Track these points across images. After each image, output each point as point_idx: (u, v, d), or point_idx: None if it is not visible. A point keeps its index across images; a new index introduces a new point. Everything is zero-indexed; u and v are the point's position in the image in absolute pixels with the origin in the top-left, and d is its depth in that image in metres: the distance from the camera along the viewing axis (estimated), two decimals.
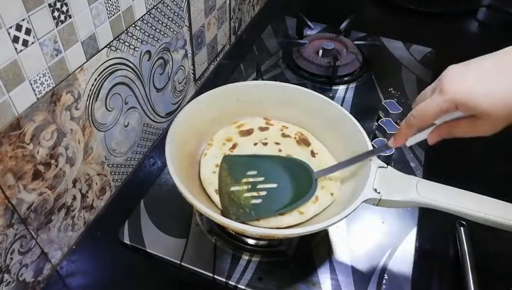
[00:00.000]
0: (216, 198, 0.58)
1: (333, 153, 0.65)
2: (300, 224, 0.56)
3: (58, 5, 0.46)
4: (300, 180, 0.59)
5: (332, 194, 0.59)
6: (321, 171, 0.60)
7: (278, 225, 0.55)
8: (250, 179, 0.59)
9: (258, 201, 0.56)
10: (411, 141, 0.53)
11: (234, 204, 0.56)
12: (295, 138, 0.67)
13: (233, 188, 0.58)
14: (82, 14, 0.50)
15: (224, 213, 0.56)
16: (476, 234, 0.60)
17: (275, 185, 0.58)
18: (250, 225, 0.52)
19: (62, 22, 0.48)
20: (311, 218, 0.57)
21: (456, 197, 0.52)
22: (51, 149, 0.51)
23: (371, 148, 0.58)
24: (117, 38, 0.58)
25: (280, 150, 0.64)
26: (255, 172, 0.59)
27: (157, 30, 0.67)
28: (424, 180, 0.55)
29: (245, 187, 0.58)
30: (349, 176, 0.60)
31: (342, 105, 0.72)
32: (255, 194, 0.57)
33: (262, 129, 0.67)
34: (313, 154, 0.65)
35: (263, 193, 0.57)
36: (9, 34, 0.42)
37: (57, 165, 0.53)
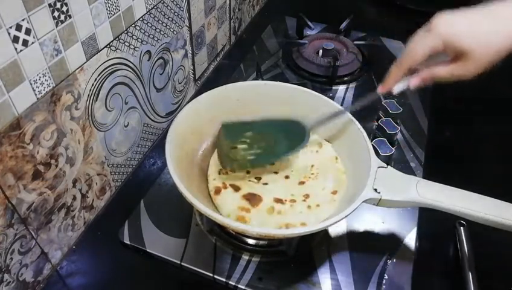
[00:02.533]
0: (211, 182, 0.60)
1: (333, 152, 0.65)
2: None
3: (58, 5, 0.46)
4: (294, 135, 0.62)
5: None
6: (315, 122, 0.62)
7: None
8: (247, 140, 0.61)
9: (253, 158, 0.60)
10: (398, 88, 0.55)
11: (229, 159, 0.60)
12: None
13: (230, 150, 0.60)
14: (82, 14, 0.50)
15: (222, 166, 0.61)
16: (476, 234, 0.60)
17: (270, 144, 0.61)
18: (250, 225, 0.52)
19: (62, 22, 0.48)
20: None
21: (456, 197, 0.52)
22: (51, 149, 0.51)
23: (370, 147, 0.58)
24: (117, 38, 0.58)
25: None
26: (251, 133, 0.62)
27: (157, 30, 0.67)
28: (424, 180, 0.55)
29: (242, 146, 0.61)
30: (349, 176, 0.60)
31: (341, 105, 0.72)
32: (251, 151, 0.60)
33: None
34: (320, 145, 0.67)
35: (259, 151, 0.61)
36: (9, 34, 0.42)
37: (57, 165, 0.53)
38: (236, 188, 0.59)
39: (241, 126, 0.63)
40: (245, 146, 0.61)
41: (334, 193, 0.59)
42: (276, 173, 0.63)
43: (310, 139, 0.62)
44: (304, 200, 0.58)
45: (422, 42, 0.51)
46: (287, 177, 0.62)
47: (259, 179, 0.61)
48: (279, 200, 0.58)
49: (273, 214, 0.57)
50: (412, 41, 0.52)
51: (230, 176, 0.61)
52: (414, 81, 0.54)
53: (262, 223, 0.55)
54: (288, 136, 0.62)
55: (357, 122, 0.62)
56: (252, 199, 0.58)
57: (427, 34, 0.50)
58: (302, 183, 0.61)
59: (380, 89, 0.57)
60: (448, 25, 0.49)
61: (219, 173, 0.62)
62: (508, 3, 0.49)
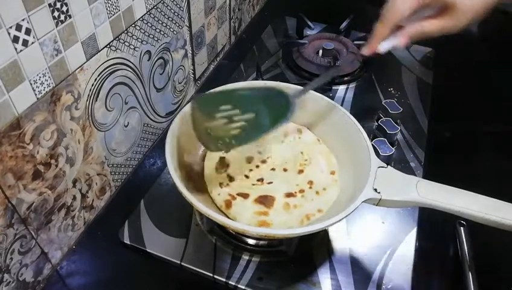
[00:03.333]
0: (216, 198, 0.58)
1: (332, 152, 0.65)
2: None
3: (58, 5, 0.46)
4: (277, 105, 0.58)
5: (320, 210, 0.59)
6: (298, 91, 0.60)
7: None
8: (225, 114, 0.56)
9: (238, 131, 0.56)
10: (384, 46, 0.53)
11: (213, 138, 0.56)
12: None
13: (208, 124, 0.56)
14: (82, 14, 0.50)
15: (205, 148, 0.57)
16: (476, 234, 0.60)
17: (252, 115, 0.56)
18: (250, 225, 0.52)
19: (62, 22, 0.48)
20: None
21: (456, 197, 0.52)
22: (51, 149, 0.51)
23: (371, 148, 0.58)
24: (117, 38, 0.58)
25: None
26: (229, 106, 0.56)
27: (157, 30, 0.67)
28: (424, 180, 0.55)
29: (221, 121, 0.56)
30: (349, 176, 0.60)
31: (342, 105, 0.72)
32: (233, 125, 0.56)
33: None
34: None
35: (241, 124, 0.56)
36: (9, 34, 0.42)
37: (57, 165, 0.53)
38: (245, 195, 0.58)
39: (216, 98, 0.59)
40: (225, 120, 0.55)
41: (333, 173, 0.62)
42: (273, 169, 0.63)
43: (288, 129, 0.62)
44: (310, 187, 0.60)
45: None
46: (285, 170, 0.63)
47: (261, 180, 0.61)
48: (289, 195, 0.59)
49: (290, 209, 0.57)
50: None
51: (233, 185, 0.60)
52: (402, 40, 0.51)
53: (285, 221, 0.56)
54: (270, 107, 0.57)
55: (356, 122, 0.62)
56: (265, 201, 0.58)
57: None
58: (301, 172, 0.62)
59: (366, 51, 0.54)
60: None
61: (220, 186, 0.59)
62: None
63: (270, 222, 0.55)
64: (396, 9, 0.49)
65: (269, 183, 0.61)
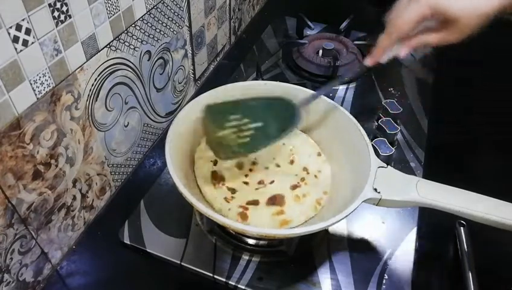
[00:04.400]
0: (229, 214, 0.57)
1: (332, 152, 0.65)
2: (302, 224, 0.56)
3: (58, 5, 0.46)
4: (284, 114, 0.60)
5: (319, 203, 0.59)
6: (303, 100, 0.61)
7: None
8: (235, 123, 0.59)
9: (247, 140, 0.58)
10: (386, 57, 0.55)
11: (223, 146, 0.57)
12: None
13: (219, 134, 0.58)
14: (82, 14, 0.50)
15: (215, 156, 0.59)
16: (476, 234, 0.60)
17: (260, 124, 0.59)
18: (250, 225, 0.52)
19: (62, 22, 0.48)
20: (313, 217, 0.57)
21: (456, 197, 0.52)
22: (51, 149, 0.51)
23: (370, 147, 0.58)
24: (117, 38, 0.58)
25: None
26: (238, 116, 0.60)
27: (157, 30, 0.67)
28: (424, 180, 0.55)
29: (231, 131, 0.58)
30: (349, 176, 0.60)
31: (341, 105, 0.72)
32: (242, 134, 0.58)
33: None
34: None
35: (250, 132, 0.58)
36: (9, 34, 0.42)
37: (57, 165, 0.53)
38: (255, 202, 0.58)
39: (226, 108, 0.61)
40: (234, 129, 0.58)
41: (319, 154, 0.66)
42: (267, 168, 0.63)
43: None
44: (308, 173, 0.63)
45: (409, 11, 0.50)
46: (278, 165, 0.64)
47: (262, 182, 0.61)
48: (295, 186, 0.61)
49: (301, 200, 0.59)
50: (397, 10, 0.51)
51: (238, 196, 0.59)
52: (404, 51, 0.53)
53: (301, 212, 0.57)
54: (276, 115, 0.60)
55: (356, 122, 0.62)
56: (276, 200, 0.58)
57: (414, 4, 0.49)
58: (292, 162, 0.65)
59: (369, 62, 0.56)
60: None
61: (227, 201, 0.58)
62: None
63: (289, 218, 0.56)
64: (401, 23, 0.51)
65: (271, 182, 0.61)
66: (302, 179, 0.62)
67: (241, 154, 0.60)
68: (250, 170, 0.63)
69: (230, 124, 0.59)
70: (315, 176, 0.63)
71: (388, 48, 0.54)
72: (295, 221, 0.56)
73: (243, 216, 0.56)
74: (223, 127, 0.58)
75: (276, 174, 0.62)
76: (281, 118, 0.60)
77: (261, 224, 0.56)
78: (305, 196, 0.59)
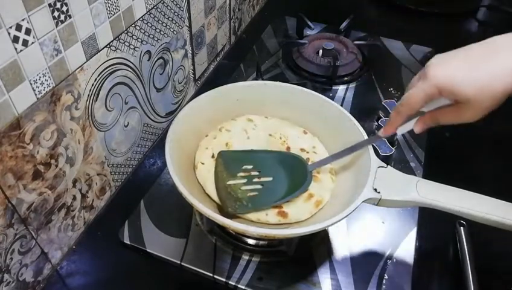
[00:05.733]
0: (270, 219, 0.57)
1: (332, 152, 0.65)
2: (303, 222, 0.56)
3: (58, 5, 0.46)
4: (295, 173, 0.59)
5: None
6: (315, 163, 0.61)
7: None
8: (246, 173, 0.59)
9: (255, 194, 0.57)
10: (401, 130, 0.55)
11: (231, 197, 0.56)
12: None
13: (229, 182, 0.58)
14: (82, 14, 0.50)
15: (222, 206, 0.56)
16: (476, 234, 0.60)
17: (270, 178, 0.59)
18: (251, 226, 0.52)
19: (62, 22, 0.48)
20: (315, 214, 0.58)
21: (456, 197, 0.52)
22: (51, 149, 0.51)
23: (370, 148, 0.58)
24: (117, 38, 0.58)
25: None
26: (250, 166, 0.60)
27: (157, 30, 0.67)
28: (424, 179, 0.55)
29: (241, 181, 0.58)
30: (349, 176, 0.60)
31: (342, 105, 0.72)
32: (251, 187, 0.58)
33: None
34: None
35: (259, 186, 0.58)
36: (9, 34, 0.42)
37: (57, 165, 0.53)
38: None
39: (240, 157, 0.62)
40: (244, 180, 0.58)
41: (305, 132, 0.68)
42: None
43: (241, 123, 0.66)
44: (308, 152, 0.64)
45: (419, 90, 0.48)
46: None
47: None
48: None
49: (318, 177, 0.60)
50: (410, 88, 0.51)
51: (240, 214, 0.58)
52: (418, 127, 0.53)
53: (323, 188, 0.59)
54: (287, 172, 0.59)
55: (356, 122, 0.62)
56: None
57: (423, 82, 0.48)
58: (289, 148, 0.65)
59: (382, 133, 0.56)
60: (444, 73, 0.46)
61: (236, 217, 0.56)
62: (504, 36, 0.46)
63: (320, 198, 0.58)
64: (409, 104, 0.50)
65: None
66: (308, 159, 0.62)
67: (248, 211, 0.56)
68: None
69: (241, 174, 0.59)
70: (314, 152, 0.64)
71: (399, 124, 0.53)
72: (325, 198, 0.58)
73: (283, 215, 0.56)
74: (234, 176, 0.59)
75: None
76: (290, 177, 0.59)
77: (302, 214, 0.56)
78: (318, 173, 0.61)
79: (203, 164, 0.61)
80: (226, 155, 0.62)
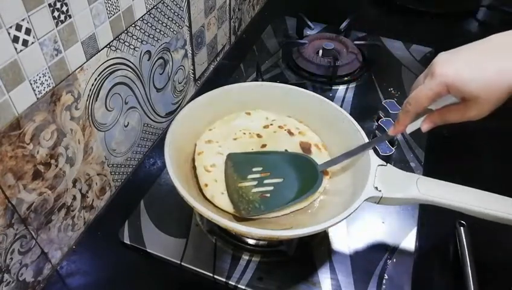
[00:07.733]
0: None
1: (332, 152, 0.65)
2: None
3: (58, 5, 0.46)
4: (305, 174, 0.59)
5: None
6: (325, 163, 0.60)
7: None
8: (257, 175, 0.59)
9: (267, 195, 0.57)
10: (410, 129, 0.55)
11: (243, 200, 0.56)
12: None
13: (240, 184, 0.58)
14: (82, 14, 0.50)
15: (235, 210, 0.56)
16: (476, 234, 0.60)
17: (281, 180, 0.58)
18: (251, 227, 0.52)
19: (62, 22, 0.48)
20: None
21: (456, 193, 0.52)
22: (51, 149, 0.51)
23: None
24: (117, 38, 0.58)
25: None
26: (260, 168, 0.60)
27: (157, 30, 0.67)
28: (424, 177, 0.55)
29: (252, 183, 0.58)
30: (349, 176, 0.60)
31: (341, 105, 0.72)
32: (262, 189, 0.57)
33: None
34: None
35: (270, 188, 0.58)
36: (9, 34, 0.42)
37: (57, 165, 0.53)
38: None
39: (250, 158, 0.61)
40: (255, 183, 0.58)
41: (300, 122, 0.68)
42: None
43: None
44: (301, 133, 0.67)
45: (426, 89, 0.48)
46: (263, 146, 0.65)
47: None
48: (307, 148, 0.64)
49: (322, 150, 0.64)
50: (415, 87, 0.51)
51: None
52: (425, 126, 0.53)
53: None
54: (298, 173, 0.59)
55: (355, 123, 0.62)
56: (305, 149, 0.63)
57: (431, 80, 0.48)
58: (291, 134, 0.66)
59: (391, 132, 0.56)
60: (451, 70, 0.46)
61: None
62: (504, 34, 0.47)
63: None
64: (416, 103, 0.50)
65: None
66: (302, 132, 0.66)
67: (261, 213, 0.55)
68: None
69: (252, 176, 0.59)
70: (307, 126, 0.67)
71: (408, 123, 0.54)
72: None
73: None
74: (245, 178, 0.58)
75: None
76: (301, 178, 0.58)
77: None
78: (321, 149, 0.65)
79: (206, 185, 0.59)
80: (235, 157, 0.61)
